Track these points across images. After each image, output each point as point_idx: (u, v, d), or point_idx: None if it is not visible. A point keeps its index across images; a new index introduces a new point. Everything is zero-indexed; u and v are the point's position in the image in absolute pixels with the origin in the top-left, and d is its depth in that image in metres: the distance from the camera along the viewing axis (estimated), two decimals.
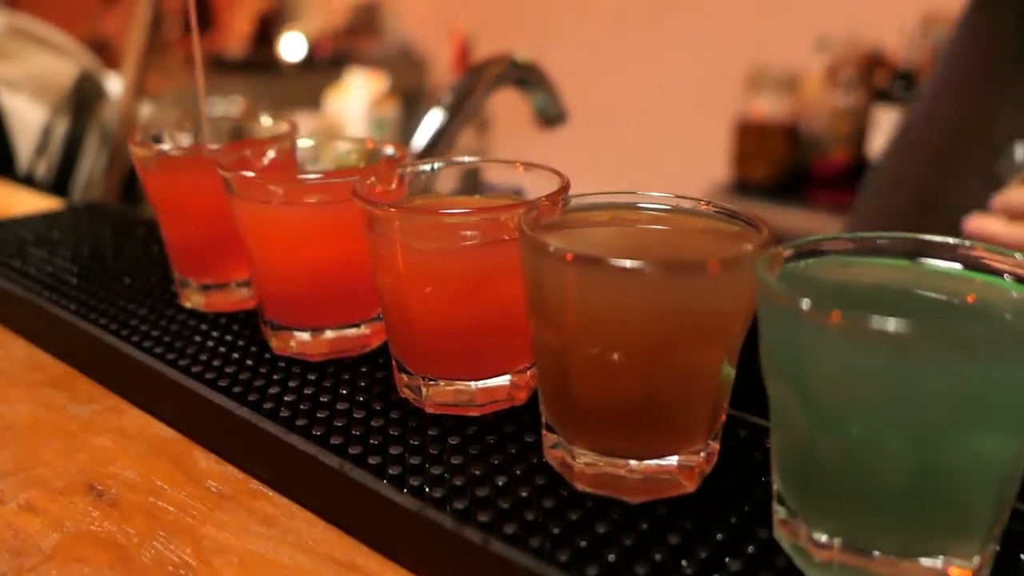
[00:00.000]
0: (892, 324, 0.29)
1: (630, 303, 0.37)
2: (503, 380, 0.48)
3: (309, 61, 3.27)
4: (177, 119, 1.77)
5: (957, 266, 0.36)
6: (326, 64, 3.17)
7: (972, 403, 0.30)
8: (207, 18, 3.49)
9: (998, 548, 0.36)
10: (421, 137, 0.91)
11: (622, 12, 2.49)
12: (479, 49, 2.84)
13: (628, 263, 0.35)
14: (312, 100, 2.63)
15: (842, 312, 0.30)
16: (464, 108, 0.94)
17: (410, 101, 2.82)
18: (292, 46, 3.31)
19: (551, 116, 0.97)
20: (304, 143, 0.59)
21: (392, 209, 0.44)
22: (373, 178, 0.49)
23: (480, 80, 0.95)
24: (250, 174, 0.52)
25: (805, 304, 0.31)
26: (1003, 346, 0.30)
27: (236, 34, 3.57)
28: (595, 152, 2.39)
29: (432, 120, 0.90)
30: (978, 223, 0.75)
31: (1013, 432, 0.31)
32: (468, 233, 0.45)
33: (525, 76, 0.97)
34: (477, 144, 2.30)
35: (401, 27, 3.42)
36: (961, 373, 0.30)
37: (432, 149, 0.92)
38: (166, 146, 0.60)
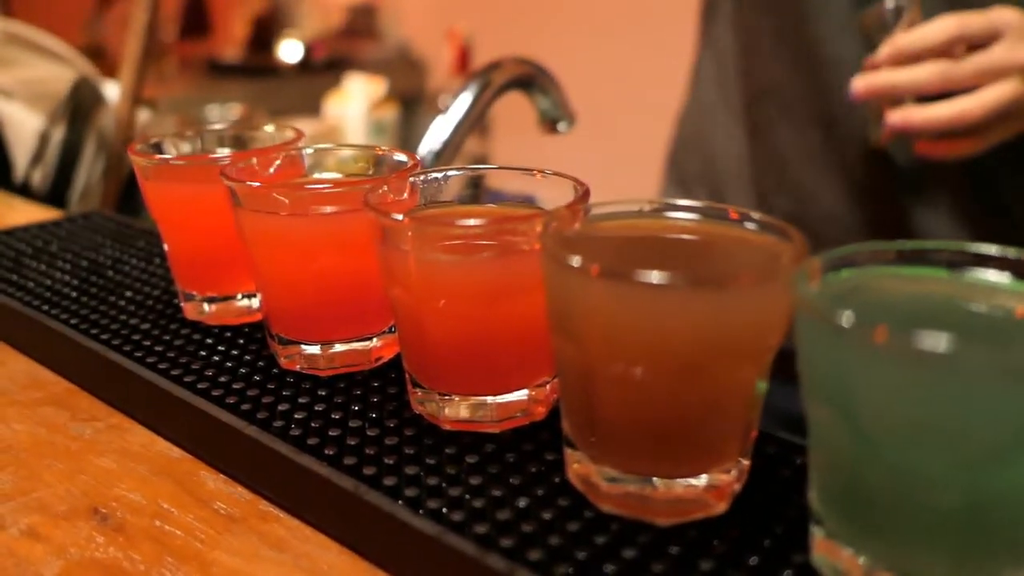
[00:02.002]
0: (941, 343, 0.28)
1: (659, 320, 0.35)
2: (521, 395, 0.46)
3: (306, 64, 3.25)
4: (177, 126, 1.75)
5: (1005, 277, 0.34)
6: (323, 67, 3.14)
7: None
8: (203, 22, 3.47)
9: None
10: (428, 144, 0.89)
11: (623, 13, 2.48)
12: (478, 51, 2.82)
13: (656, 278, 0.34)
14: (310, 104, 2.61)
15: (888, 329, 0.29)
16: (472, 114, 0.92)
17: (409, 105, 2.80)
18: (289, 50, 3.29)
19: (558, 120, 0.96)
20: (310, 151, 0.58)
21: (406, 220, 0.43)
22: (385, 187, 0.47)
23: (488, 85, 0.93)
24: (256, 184, 0.50)
25: (847, 320, 0.30)
26: None
27: (232, 38, 3.55)
28: (597, 155, 2.38)
29: (440, 127, 0.89)
30: (867, 80, 0.72)
31: None
32: (485, 244, 0.43)
33: (532, 79, 0.95)
34: (479, 148, 2.28)
35: (399, 29, 3.40)
36: (1014, 395, 0.28)
37: (441, 157, 0.91)
38: (168, 155, 0.58)
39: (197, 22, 3.44)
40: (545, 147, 1.73)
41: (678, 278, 0.34)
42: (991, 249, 0.34)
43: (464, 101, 0.89)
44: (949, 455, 0.30)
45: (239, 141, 0.64)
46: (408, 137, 2.55)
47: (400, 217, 0.43)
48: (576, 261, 0.35)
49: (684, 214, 0.41)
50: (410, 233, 0.43)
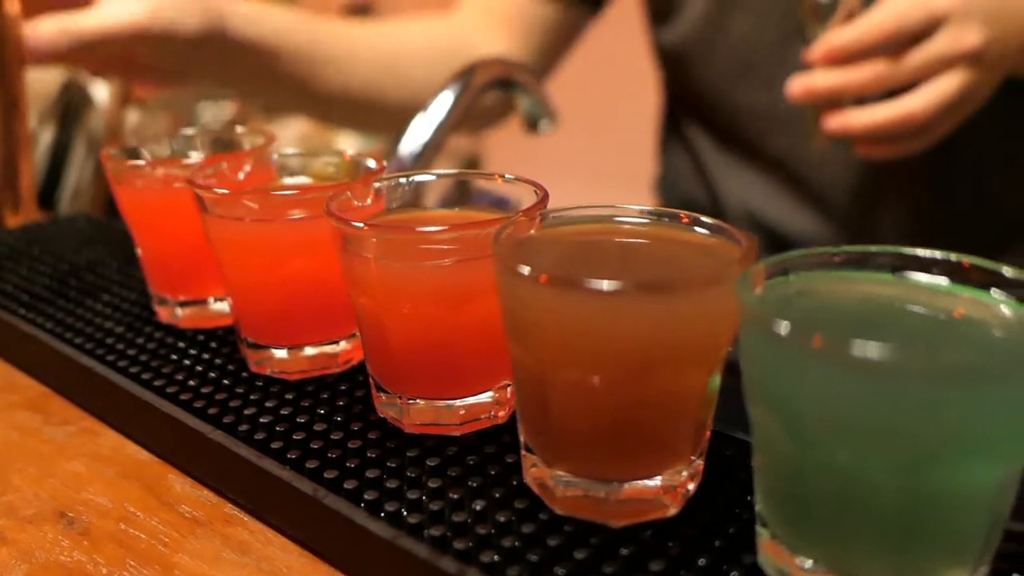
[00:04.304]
0: (876, 350, 0.28)
1: (608, 325, 0.36)
2: (484, 398, 0.46)
3: None
4: (169, 125, 1.75)
5: (944, 280, 0.34)
6: None
7: (959, 429, 0.29)
8: None
9: (988, 570, 0.35)
10: (408, 145, 0.89)
11: (620, 12, 2.47)
12: None
13: (605, 284, 0.34)
14: None
15: (824, 336, 0.29)
16: (454, 114, 0.92)
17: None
18: None
19: (540, 119, 0.96)
20: (281, 155, 0.58)
21: (365, 227, 0.43)
22: (348, 193, 0.48)
23: (470, 85, 0.94)
24: (222, 191, 0.51)
25: (784, 328, 0.30)
26: (990, 372, 0.29)
27: None
28: (591, 156, 2.38)
29: (420, 127, 0.89)
30: (804, 82, 0.69)
31: (1001, 457, 0.30)
32: (445, 249, 0.44)
33: (513, 79, 0.96)
34: (470, 148, 2.28)
35: None
36: (948, 400, 0.29)
37: (420, 158, 0.91)
38: (140, 160, 0.59)
39: None
40: (539, 146, 1.74)
41: (626, 284, 0.34)
42: (932, 253, 0.35)
43: (445, 101, 0.89)
44: (885, 457, 0.30)
45: (217, 144, 0.64)
46: (398, 137, 2.54)
47: (359, 224, 0.43)
48: (525, 269, 0.36)
49: (638, 219, 0.41)
50: (371, 240, 0.43)
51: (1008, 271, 0.33)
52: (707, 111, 0.95)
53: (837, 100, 0.68)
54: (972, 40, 0.64)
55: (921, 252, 0.35)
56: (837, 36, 0.66)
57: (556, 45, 1.04)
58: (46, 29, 0.73)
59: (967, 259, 0.34)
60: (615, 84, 2.50)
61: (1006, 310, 0.33)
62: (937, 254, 0.35)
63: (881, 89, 0.66)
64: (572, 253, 0.41)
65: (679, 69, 0.97)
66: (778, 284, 0.35)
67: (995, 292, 0.33)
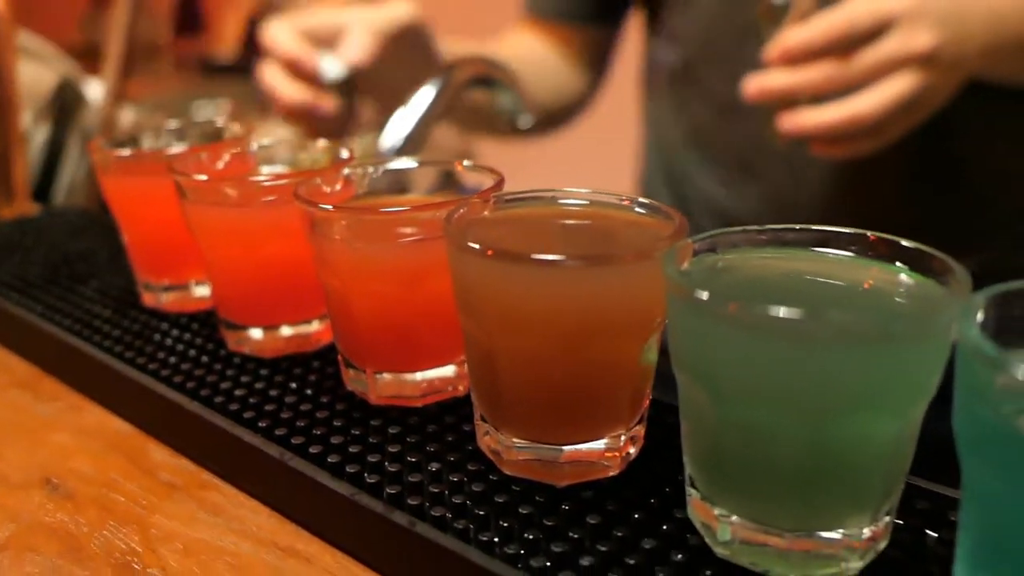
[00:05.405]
0: (783, 314, 0.31)
1: (548, 297, 0.39)
2: (445, 371, 0.49)
3: None
4: (156, 124, 1.78)
5: (855, 254, 0.37)
6: None
7: (857, 386, 0.32)
8: (196, 20, 3.51)
9: (896, 521, 0.38)
10: (389, 139, 0.92)
11: None
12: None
13: (544, 258, 0.37)
14: None
15: (738, 303, 0.32)
16: (435, 110, 0.95)
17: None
18: None
19: (518, 115, 0.99)
20: (261, 146, 0.61)
21: (330, 209, 0.46)
22: (318, 179, 0.51)
23: (449, 81, 0.96)
24: (202, 177, 0.54)
25: (703, 295, 0.33)
26: (883, 334, 0.31)
27: (226, 37, 3.58)
28: (584, 150, 2.41)
29: (399, 121, 0.92)
30: (759, 82, 0.69)
31: (895, 412, 0.33)
32: (406, 231, 0.46)
33: (492, 76, 0.99)
34: (460, 143, 2.31)
35: None
36: (846, 359, 0.32)
37: (401, 151, 0.94)
38: (125, 151, 0.62)
39: (190, 20, 3.46)
40: (529, 142, 1.76)
41: (563, 258, 0.37)
42: (846, 230, 0.38)
43: (425, 96, 0.92)
44: (792, 413, 0.33)
45: (202, 137, 0.67)
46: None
47: (326, 207, 0.46)
48: (472, 244, 0.39)
49: (582, 200, 0.44)
50: (336, 222, 0.46)
51: (907, 244, 0.36)
52: (678, 92, 0.98)
53: (793, 100, 0.69)
54: (923, 42, 0.65)
55: (837, 229, 0.38)
56: (790, 36, 0.67)
57: (599, 61, 1.11)
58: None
59: (875, 235, 0.37)
60: (610, 83, 2.53)
61: (906, 279, 0.36)
62: (850, 231, 0.38)
63: (833, 90, 0.67)
64: (518, 231, 0.44)
65: (660, 42, 1.00)
66: (705, 259, 0.38)
67: (898, 264, 0.36)
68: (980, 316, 0.31)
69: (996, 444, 0.29)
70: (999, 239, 0.86)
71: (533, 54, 1.09)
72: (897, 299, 0.36)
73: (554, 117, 1.11)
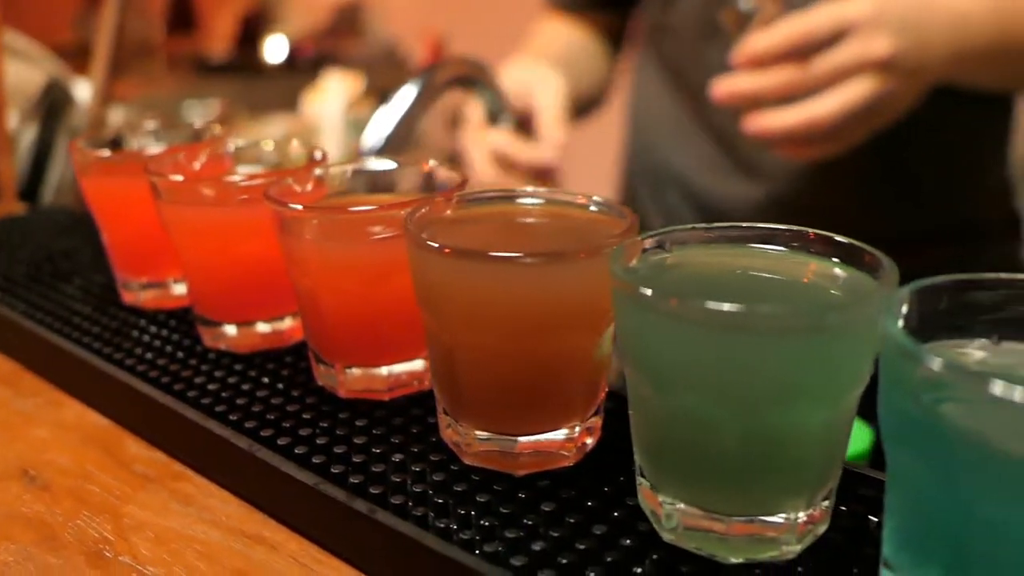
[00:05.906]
0: (723, 307, 0.32)
1: (503, 292, 0.40)
2: (413, 365, 0.51)
3: (291, 63, 3.30)
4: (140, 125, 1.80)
5: (796, 250, 0.39)
6: (308, 66, 3.19)
7: (789, 375, 0.34)
8: (189, 19, 3.52)
9: (841, 507, 0.39)
10: (370, 138, 0.93)
11: None
12: (458, 49, 2.86)
13: (497, 255, 0.39)
14: (292, 102, 2.66)
15: (680, 297, 0.33)
16: (416, 110, 0.97)
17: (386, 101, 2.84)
18: (275, 48, 3.33)
19: (498, 115, 1.00)
20: (237, 147, 0.62)
21: (299, 208, 0.48)
22: (290, 179, 0.52)
23: (431, 82, 0.98)
24: (176, 177, 0.55)
25: (647, 291, 0.35)
26: (813, 326, 0.33)
27: (219, 36, 3.59)
28: (577, 152, 2.42)
29: (381, 121, 0.93)
30: (727, 85, 0.71)
31: (826, 400, 0.34)
32: (372, 230, 0.48)
33: (474, 77, 1.00)
34: (449, 143, 2.33)
35: (385, 28, 3.43)
36: (778, 350, 0.33)
37: (383, 150, 0.95)
38: (104, 151, 0.63)
39: (183, 19, 3.47)
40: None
41: (517, 254, 0.39)
42: (788, 228, 0.39)
43: (406, 96, 0.93)
44: (729, 402, 0.35)
45: (182, 138, 0.68)
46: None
47: (295, 207, 0.48)
48: (431, 242, 0.40)
49: (540, 200, 0.46)
50: (306, 221, 0.48)
51: (842, 240, 0.37)
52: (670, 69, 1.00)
53: (758, 102, 0.71)
54: (881, 48, 0.67)
55: (780, 227, 0.40)
56: (752, 41, 0.69)
57: (619, 46, 1.15)
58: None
59: (814, 232, 0.39)
60: None
61: (840, 272, 0.37)
62: (792, 228, 0.39)
63: (794, 93, 0.69)
64: (477, 230, 0.46)
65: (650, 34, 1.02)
66: (654, 256, 0.40)
67: (834, 259, 0.38)
68: (904, 309, 0.32)
69: (916, 433, 0.30)
70: (964, 238, 0.89)
71: (578, 43, 1.12)
72: (832, 292, 0.37)
73: (597, 101, 1.14)
